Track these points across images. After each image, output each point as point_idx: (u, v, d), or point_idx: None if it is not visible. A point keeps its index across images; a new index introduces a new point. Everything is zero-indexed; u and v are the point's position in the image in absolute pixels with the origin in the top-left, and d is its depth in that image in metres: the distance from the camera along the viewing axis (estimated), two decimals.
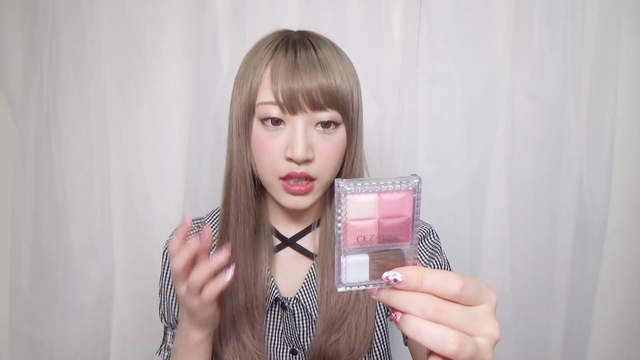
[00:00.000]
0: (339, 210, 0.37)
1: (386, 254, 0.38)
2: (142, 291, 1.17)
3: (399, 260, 0.38)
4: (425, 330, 0.35)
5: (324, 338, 0.69)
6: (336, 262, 0.39)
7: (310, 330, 0.73)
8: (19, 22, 1.10)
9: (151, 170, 1.15)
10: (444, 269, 0.74)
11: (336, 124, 0.66)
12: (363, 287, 0.39)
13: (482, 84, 1.08)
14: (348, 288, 0.39)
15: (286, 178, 0.65)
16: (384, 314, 0.75)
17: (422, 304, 0.35)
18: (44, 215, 1.11)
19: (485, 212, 1.11)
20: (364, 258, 0.38)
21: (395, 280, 0.36)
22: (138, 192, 1.15)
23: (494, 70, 1.07)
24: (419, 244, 0.75)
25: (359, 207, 0.37)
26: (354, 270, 0.38)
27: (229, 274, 0.56)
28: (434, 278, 0.36)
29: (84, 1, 1.07)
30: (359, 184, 0.37)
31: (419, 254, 0.75)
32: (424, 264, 0.74)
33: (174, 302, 0.75)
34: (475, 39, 1.06)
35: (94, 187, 1.13)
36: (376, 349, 0.74)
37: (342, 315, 0.69)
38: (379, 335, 0.74)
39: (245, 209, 0.70)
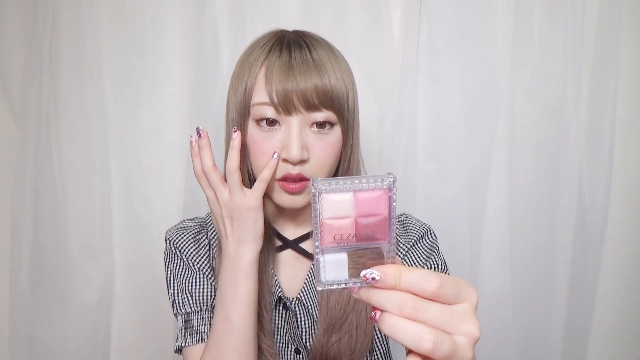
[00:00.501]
0: (315, 209, 0.38)
1: (365, 252, 0.39)
2: (142, 291, 1.17)
3: (378, 259, 0.39)
4: (401, 328, 0.35)
5: (325, 338, 0.69)
6: (314, 261, 0.39)
7: (312, 331, 0.73)
8: (19, 22, 1.10)
9: (151, 170, 1.15)
10: (441, 269, 0.74)
11: (331, 124, 0.66)
12: (343, 286, 0.39)
13: (482, 84, 1.08)
14: (328, 287, 0.39)
15: (282, 179, 0.65)
16: None
17: (399, 302, 0.36)
18: (44, 215, 1.11)
19: (485, 212, 1.11)
20: (343, 257, 0.39)
21: (373, 278, 0.37)
22: (138, 192, 1.15)
23: (494, 70, 1.07)
24: (415, 245, 0.75)
25: (335, 205, 0.38)
26: (333, 268, 0.39)
27: (275, 155, 0.63)
28: (411, 276, 0.36)
29: (84, 1, 1.07)
30: (334, 182, 0.37)
31: (417, 255, 0.75)
32: (421, 265, 0.74)
33: (195, 280, 0.73)
34: (475, 39, 1.06)
35: (94, 187, 1.13)
36: (377, 348, 0.74)
37: (342, 315, 0.69)
38: (379, 335, 0.75)
39: None
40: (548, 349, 1.14)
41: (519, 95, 1.07)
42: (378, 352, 0.74)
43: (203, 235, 0.76)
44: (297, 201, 0.67)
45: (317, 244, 0.39)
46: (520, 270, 1.12)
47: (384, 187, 0.38)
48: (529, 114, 1.08)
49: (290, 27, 0.72)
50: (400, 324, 0.35)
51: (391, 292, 0.36)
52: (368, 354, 0.72)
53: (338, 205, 0.38)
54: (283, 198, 0.67)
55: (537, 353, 1.15)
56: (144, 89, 1.12)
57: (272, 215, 0.76)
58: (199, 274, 0.72)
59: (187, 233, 0.76)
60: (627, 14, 1.05)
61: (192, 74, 1.09)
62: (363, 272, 0.37)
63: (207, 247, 0.75)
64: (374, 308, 0.38)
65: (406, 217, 0.80)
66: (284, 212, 0.75)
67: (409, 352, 0.36)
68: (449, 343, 0.35)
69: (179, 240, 0.74)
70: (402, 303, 0.36)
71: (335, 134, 0.67)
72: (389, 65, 1.07)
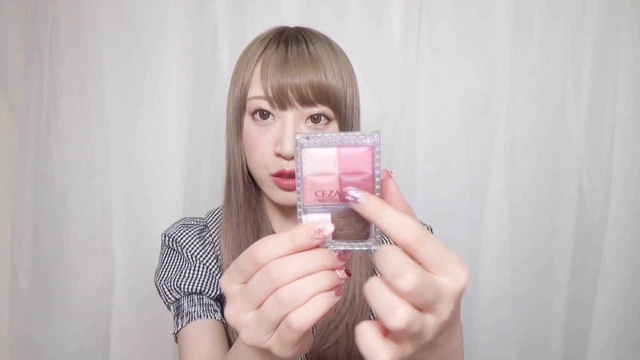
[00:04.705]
0: (297, 163, 0.36)
1: (349, 213, 0.37)
2: (142, 291, 1.17)
3: (364, 221, 0.37)
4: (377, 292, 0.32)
5: (322, 341, 0.69)
6: (297, 220, 0.38)
7: (310, 332, 0.72)
8: (19, 22, 1.10)
9: (151, 170, 1.15)
10: None
11: (328, 120, 0.65)
12: (326, 247, 0.37)
13: (482, 84, 1.08)
14: None
15: (277, 175, 0.65)
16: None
17: (402, 233, 0.33)
18: (44, 215, 1.11)
19: (485, 212, 1.11)
20: (326, 217, 0.37)
21: (354, 197, 0.35)
22: (138, 192, 1.15)
23: (494, 70, 1.07)
24: None
25: (317, 161, 0.36)
26: None
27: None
28: (393, 217, 0.33)
29: (84, 1, 1.07)
30: (319, 136, 0.36)
31: None
32: None
33: (190, 270, 0.70)
34: (475, 39, 1.06)
35: (94, 187, 1.13)
36: None
37: (336, 316, 0.68)
38: None
39: (245, 205, 0.71)
40: (548, 349, 1.14)
41: (519, 95, 1.07)
42: None
43: (206, 233, 0.76)
44: (291, 198, 0.66)
45: (299, 202, 0.37)
46: (520, 270, 1.12)
47: (368, 143, 0.36)
48: (529, 114, 1.08)
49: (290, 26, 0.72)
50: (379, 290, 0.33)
51: (399, 255, 0.33)
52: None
53: (321, 161, 0.36)
54: (277, 194, 0.66)
55: (537, 353, 1.15)
56: (144, 89, 1.12)
57: (271, 214, 0.75)
58: (199, 266, 0.71)
59: (192, 230, 0.74)
60: (627, 14, 1.05)
61: (192, 74, 1.09)
62: (347, 188, 0.36)
63: (212, 245, 0.74)
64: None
65: None
66: (283, 210, 0.74)
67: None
68: (419, 324, 0.32)
69: (183, 236, 0.73)
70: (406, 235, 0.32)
71: (331, 130, 0.66)
72: (389, 65, 1.07)
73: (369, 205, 0.34)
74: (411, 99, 1.06)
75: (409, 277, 0.31)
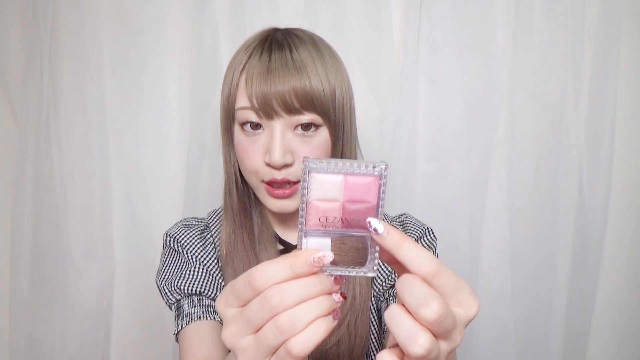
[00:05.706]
0: (304, 188, 0.37)
1: (349, 239, 0.38)
2: (142, 291, 1.17)
3: (362, 248, 0.38)
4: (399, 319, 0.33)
5: (324, 342, 0.69)
6: (298, 243, 0.38)
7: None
8: (19, 22, 1.10)
9: (151, 170, 1.15)
10: None
11: (316, 126, 0.65)
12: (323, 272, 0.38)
13: (482, 84, 1.08)
14: None
15: (269, 183, 0.65)
16: (375, 315, 0.75)
17: (421, 263, 0.35)
18: (44, 215, 1.11)
19: (485, 212, 1.11)
20: (326, 241, 0.38)
21: (375, 229, 0.36)
22: (138, 192, 1.15)
23: (494, 70, 1.07)
24: None
25: (324, 186, 0.37)
26: None
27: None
28: (412, 250, 0.35)
29: (84, 1, 1.07)
30: (326, 162, 0.36)
31: None
32: None
33: (190, 271, 0.70)
34: (475, 39, 1.06)
35: (94, 187, 1.13)
36: (372, 349, 0.74)
37: None
38: (375, 336, 0.74)
39: (241, 212, 0.72)
40: (548, 349, 1.14)
41: (519, 95, 1.07)
42: (373, 354, 0.74)
43: (207, 234, 0.76)
44: (286, 206, 0.67)
45: (301, 226, 0.38)
46: (520, 270, 1.12)
47: (375, 173, 0.37)
48: (529, 114, 1.08)
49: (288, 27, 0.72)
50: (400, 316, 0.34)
51: (423, 285, 0.34)
52: (364, 357, 0.72)
53: (327, 187, 0.37)
54: (271, 203, 0.67)
55: (537, 353, 1.15)
56: (144, 89, 1.12)
57: (274, 219, 0.75)
58: (199, 267, 0.71)
59: (194, 230, 0.75)
60: (627, 14, 1.05)
61: (192, 74, 1.09)
62: (370, 219, 0.36)
63: (213, 246, 0.74)
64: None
65: (406, 217, 0.80)
66: (279, 217, 0.74)
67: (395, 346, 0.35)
68: (436, 351, 0.33)
69: (185, 236, 0.73)
70: (426, 264, 0.34)
71: (321, 136, 0.65)
72: (389, 65, 1.07)
73: (389, 237, 0.36)
74: (411, 99, 1.06)
75: (433, 306, 0.32)
